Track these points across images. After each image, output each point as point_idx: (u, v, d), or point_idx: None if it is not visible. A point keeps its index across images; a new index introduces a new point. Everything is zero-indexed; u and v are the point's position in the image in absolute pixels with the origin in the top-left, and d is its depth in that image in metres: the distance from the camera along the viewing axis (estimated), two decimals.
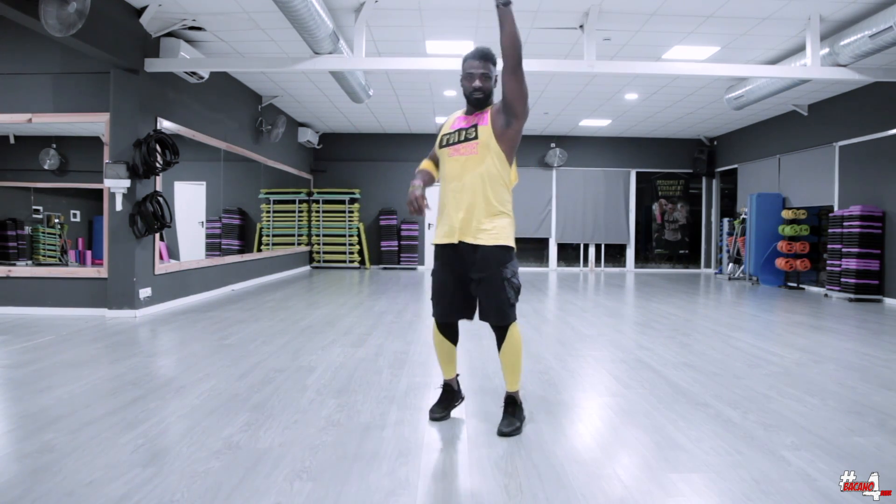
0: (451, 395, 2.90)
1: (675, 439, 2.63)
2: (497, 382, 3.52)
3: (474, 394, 3.29)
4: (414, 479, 2.21)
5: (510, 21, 2.46)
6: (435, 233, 2.76)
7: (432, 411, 2.86)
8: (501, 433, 2.63)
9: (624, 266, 13.14)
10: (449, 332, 2.81)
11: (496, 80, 2.67)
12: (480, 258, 2.59)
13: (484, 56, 2.63)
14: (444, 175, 2.70)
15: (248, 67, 6.76)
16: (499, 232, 2.60)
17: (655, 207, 13.30)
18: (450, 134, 2.70)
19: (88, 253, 7.48)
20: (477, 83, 2.62)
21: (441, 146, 2.72)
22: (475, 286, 2.65)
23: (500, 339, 2.69)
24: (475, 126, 2.62)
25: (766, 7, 5.60)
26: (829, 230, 8.44)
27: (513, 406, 2.74)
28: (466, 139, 2.61)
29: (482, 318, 2.70)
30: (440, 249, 2.73)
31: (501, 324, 2.64)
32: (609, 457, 2.45)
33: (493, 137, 2.60)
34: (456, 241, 2.62)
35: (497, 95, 2.68)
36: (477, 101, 2.65)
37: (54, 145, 6.99)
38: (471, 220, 2.59)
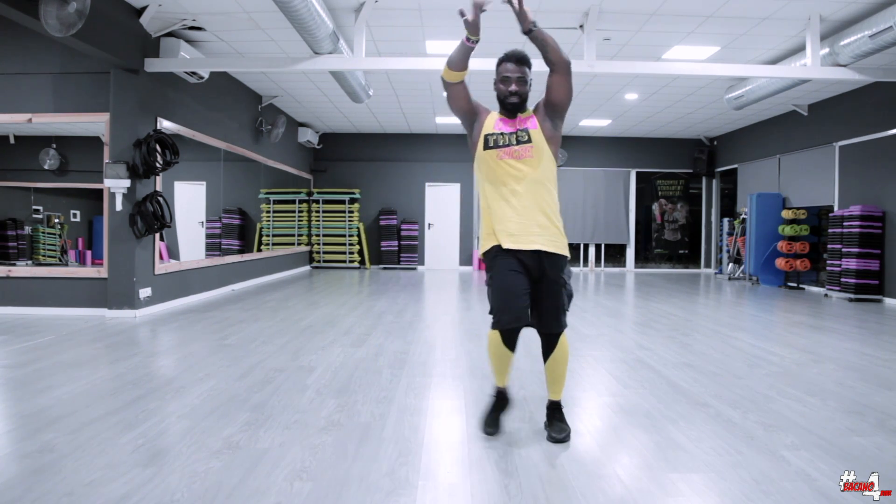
0: (503, 403, 2.74)
1: (675, 439, 2.63)
2: None
3: (474, 394, 3.30)
4: (414, 479, 2.21)
5: (544, 38, 2.46)
6: (496, 237, 2.56)
7: (487, 424, 2.67)
8: (555, 439, 2.57)
9: (624, 266, 13.13)
10: (512, 339, 2.59)
11: (531, 84, 2.61)
12: (548, 265, 2.54)
13: (520, 59, 2.56)
14: (494, 178, 2.58)
15: (248, 67, 6.76)
16: (564, 242, 2.61)
17: (655, 207, 13.30)
18: (496, 135, 2.57)
19: (88, 253, 7.48)
20: (514, 87, 2.54)
21: (487, 147, 2.58)
22: (536, 291, 2.56)
23: (551, 347, 2.61)
24: (527, 130, 2.54)
25: (766, 7, 5.60)
26: (829, 230, 8.44)
27: (560, 412, 2.69)
28: (519, 142, 2.53)
29: (536, 324, 2.60)
30: (508, 254, 2.54)
31: (557, 330, 2.59)
32: (609, 457, 2.45)
33: (545, 141, 2.56)
34: (534, 249, 2.51)
35: (530, 101, 2.62)
36: (512, 106, 2.57)
37: (54, 145, 6.98)
38: (535, 225, 2.53)
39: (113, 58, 5.44)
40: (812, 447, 2.54)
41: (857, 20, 5.74)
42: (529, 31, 2.45)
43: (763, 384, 3.56)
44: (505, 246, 2.54)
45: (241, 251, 9.00)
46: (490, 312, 2.57)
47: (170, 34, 6.16)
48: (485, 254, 2.63)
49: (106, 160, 5.85)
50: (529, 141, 2.54)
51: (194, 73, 6.43)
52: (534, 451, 2.47)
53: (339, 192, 12.39)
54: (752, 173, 11.08)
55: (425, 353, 4.29)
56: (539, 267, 2.55)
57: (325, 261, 12.42)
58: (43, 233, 7.37)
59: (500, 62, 2.60)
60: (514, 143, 2.54)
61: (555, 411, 2.69)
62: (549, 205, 2.58)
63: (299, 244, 11.83)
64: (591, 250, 13.05)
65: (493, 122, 2.62)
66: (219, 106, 7.80)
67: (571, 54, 6.90)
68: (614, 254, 13.27)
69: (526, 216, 2.53)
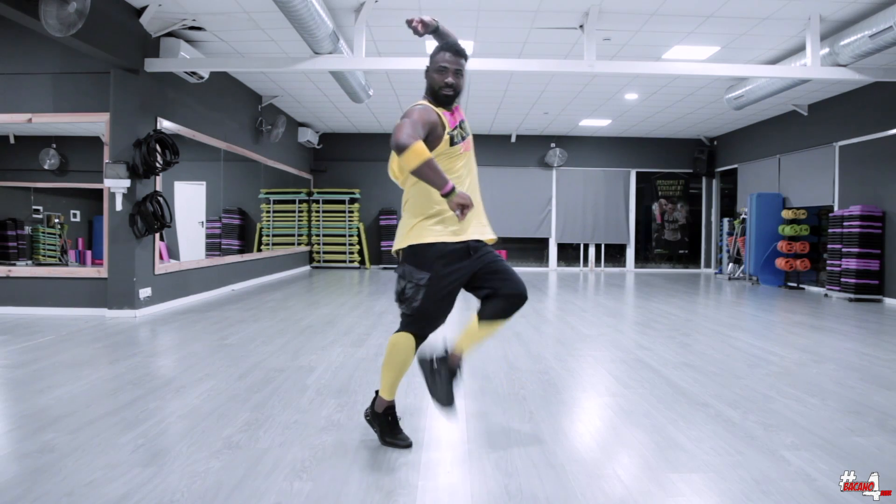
0: (396, 419, 2.59)
1: (675, 439, 2.63)
2: (497, 383, 3.53)
3: (474, 395, 3.30)
4: (414, 479, 2.21)
5: (446, 30, 2.63)
6: (457, 230, 2.41)
7: (402, 440, 2.53)
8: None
9: (624, 266, 13.13)
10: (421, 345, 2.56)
11: (465, 79, 2.56)
12: (481, 250, 2.49)
13: (459, 51, 2.48)
14: (457, 172, 2.46)
15: (248, 67, 6.76)
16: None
17: (655, 207, 13.30)
18: (456, 131, 2.49)
19: (88, 253, 7.48)
20: (450, 79, 2.43)
21: (453, 143, 2.45)
22: (485, 276, 2.46)
23: (508, 313, 2.49)
24: (465, 122, 2.57)
25: (766, 7, 5.59)
26: (829, 230, 8.44)
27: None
28: (468, 133, 2.56)
29: (484, 304, 2.52)
30: (462, 251, 2.40)
31: (525, 297, 2.48)
32: (609, 457, 2.45)
33: None
34: (495, 238, 2.56)
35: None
36: (446, 98, 2.45)
37: (54, 145, 6.99)
38: (482, 216, 2.56)
39: (113, 58, 5.44)
40: (812, 447, 2.54)
41: (857, 20, 5.74)
42: (436, 30, 2.57)
43: (763, 384, 3.56)
44: (480, 237, 2.46)
45: (240, 251, 9.01)
46: (410, 314, 2.43)
47: (170, 34, 6.16)
48: (429, 246, 2.38)
49: (106, 160, 5.84)
50: (469, 134, 2.57)
51: (194, 73, 6.43)
52: (534, 451, 2.47)
53: (339, 192, 12.39)
54: (752, 173, 11.08)
55: None
56: (485, 253, 2.50)
57: (325, 261, 12.42)
58: (43, 233, 7.38)
59: (437, 52, 2.49)
60: (467, 134, 2.54)
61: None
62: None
63: (299, 244, 11.83)
64: (591, 250, 13.05)
65: (447, 119, 2.46)
66: (219, 106, 7.79)
67: (571, 54, 6.91)
68: (614, 254, 13.27)
69: (478, 207, 2.52)
